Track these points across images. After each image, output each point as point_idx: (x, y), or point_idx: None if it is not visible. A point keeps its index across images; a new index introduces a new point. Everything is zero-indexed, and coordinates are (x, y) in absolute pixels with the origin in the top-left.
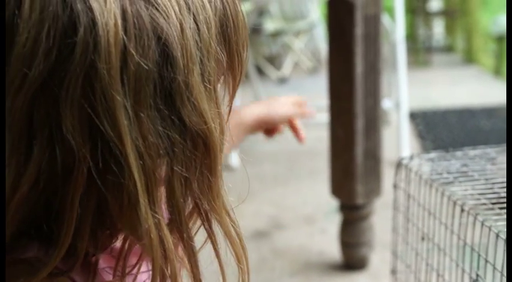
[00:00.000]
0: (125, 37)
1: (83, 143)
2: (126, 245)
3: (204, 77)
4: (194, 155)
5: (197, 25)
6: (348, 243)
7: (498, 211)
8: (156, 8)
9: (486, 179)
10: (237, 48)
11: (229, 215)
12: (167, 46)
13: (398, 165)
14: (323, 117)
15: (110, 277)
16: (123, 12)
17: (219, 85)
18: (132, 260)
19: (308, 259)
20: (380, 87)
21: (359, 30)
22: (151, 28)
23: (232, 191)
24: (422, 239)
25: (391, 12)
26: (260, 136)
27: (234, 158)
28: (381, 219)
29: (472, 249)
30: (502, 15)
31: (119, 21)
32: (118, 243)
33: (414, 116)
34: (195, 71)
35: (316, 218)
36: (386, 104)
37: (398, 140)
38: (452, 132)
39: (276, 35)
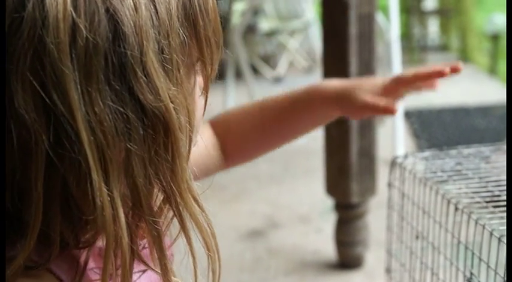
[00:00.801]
0: (73, 12)
1: (36, 118)
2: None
3: (162, 56)
4: (150, 134)
5: (154, 4)
6: (343, 242)
7: (492, 209)
8: None
9: (480, 178)
10: (205, 34)
11: (197, 202)
12: (118, 22)
13: (393, 163)
14: None
15: (97, 276)
16: None
17: (187, 70)
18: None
19: (303, 258)
20: None
21: (353, 29)
22: (101, 4)
23: (227, 190)
24: (417, 237)
25: (386, 11)
26: None
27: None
28: (375, 217)
29: (466, 248)
30: (496, 14)
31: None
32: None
33: (409, 115)
34: (149, 48)
35: (311, 217)
36: None
37: (393, 139)
38: (447, 131)
39: (271, 34)
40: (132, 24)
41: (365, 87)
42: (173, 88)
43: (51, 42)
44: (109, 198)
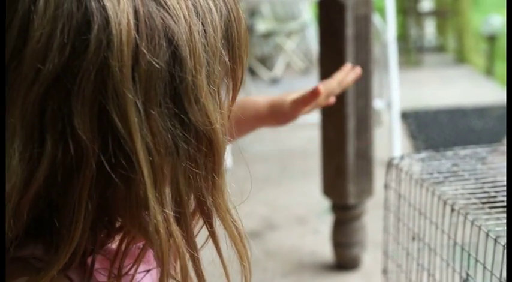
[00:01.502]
0: (137, 36)
1: (92, 139)
2: (123, 246)
3: (210, 78)
4: (199, 153)
5: (204, 28)
6: (340, 243)
7: (488, 210)
8: (167, 11)
9: (476, 179)
10: (239, 53)
11: (231, 214)
12: (177, 47)
13: (389, 165)
14: (315, 117)
15: (104, 278)
16: (136, 12)
17: (222, 87)
18: (127, 261)
19: (300, 259)
20: (371, 87)
21: (350, 30)
22: (162, 29)
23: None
24: (413, 238)
25: (382, 12)
26: (252, 137)
27: (226, 159)
28: (372, 219)
29: (462, 249)
30: (493, 15)
31: (132, 21)
32: (114, 245)
33: (406, 116)
34: (202, 72)
35: (308, 218)
36: (378, 104)
37: (390, 140)
38: (444, 132)
39: (268, 35)
40: (188, 49)
41: (290, 94)
42: (217, 109)
43: (115, 65)
44: (164, 215)
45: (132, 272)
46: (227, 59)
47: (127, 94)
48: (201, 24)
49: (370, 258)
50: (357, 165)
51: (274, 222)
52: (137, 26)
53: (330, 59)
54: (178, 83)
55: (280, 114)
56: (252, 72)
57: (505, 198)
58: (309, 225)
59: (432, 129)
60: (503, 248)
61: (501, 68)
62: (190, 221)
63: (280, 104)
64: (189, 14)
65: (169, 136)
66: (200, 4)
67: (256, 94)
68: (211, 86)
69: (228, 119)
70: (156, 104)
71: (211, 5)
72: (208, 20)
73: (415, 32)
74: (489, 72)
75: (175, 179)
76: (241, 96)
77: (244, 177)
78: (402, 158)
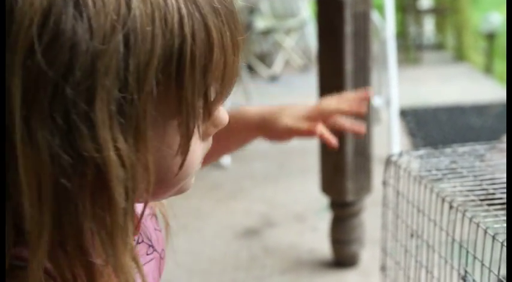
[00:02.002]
0: (36, 35)
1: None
2: None
3: (118, 107)
4: (83, 180)
5: (128, 52)
6: (338, 240)
7: (486, 207)
8: (86, 17)
9: (475, 176)
10: (185, 94)
11: (135, 262)
12: (76, 58)
13: (388, 162)
14: None
15: None
16: (48, 9)
17: (162, 122)
18: None
19: (299, 257)
20: (370, 84)
21: (348, 27)
22: (69, 34)
23: (223, 189)
24: (412, 235)
25: (381, 9)
26: None
27: (225, 157)
28: (371, 216)
29: (461, 246)
30: (492, 12)
31: (37, 18)
32: None
33: (405, 114)
34: (104, 88)
35: (306, 215)
36: (376, 101)
37: (389, 138)
38: (443, 130)
39: (267, 33)
40: (90, 53)
41: (286, 112)
42: (123, 141)
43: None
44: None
45: None
46: (167, 89)
47: (10, 90)
48: (123, 46)
49: (369, 255)
50: (356, 162)
51: (272, 220)
52: (43, 22)
53: (328, 56)
54: (69, 94)
55: (270, 131)
56: (251, 69)
57: (503, 196)
58: (307, 223)
59: (431, 127)
60: (502, 245)
61: (500, 65)
62: (80, 247)
63: (273, 120)
64: (111, 32)
65: (51, 150)
66: (135, 26)
67: (255, 91)
68: (118, 116)
69: (180, 165)
70: (40, 109)
71: (157, 30)
72: (138, 46)
73: (414, 30)
74: (488, 70)
75: (59, 199)
76: (239, 94)
77: (243, 174)
78: (401, 155)
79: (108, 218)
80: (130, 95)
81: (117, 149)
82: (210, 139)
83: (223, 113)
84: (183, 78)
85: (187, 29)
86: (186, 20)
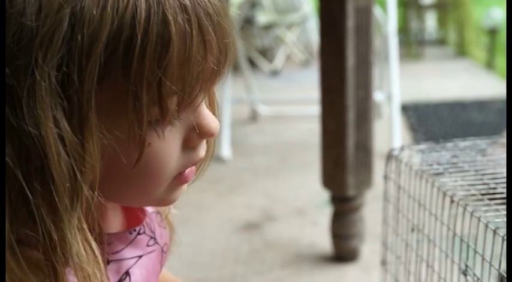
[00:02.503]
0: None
1: None
2: None
3: (60, 86)
4: (24, 157)
5: (71, 31)
6: (338, 235)
7: (488, 202)
8: None
9: (476, 170)
10: (131, 86)
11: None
12: (22, 31)
13: (389, 156)
14: (314, 109)
15: None
16: None
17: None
18: (119, 246)
19: (299, 251)
20: (372, 79)
21: (351, 22)
22: (19, 8)
23: (224, 183)
24: (412, 230)
25: (383, 4)
26: (251, 129)
27: (226, 151)
28: (371, 211)
29: (462, 240)
30: (494, 8)
31: None
32: None
33: (406, 109)
34: (39, 69)
35: (307, 210)
36: (378, 96)
37: (390, 133)
38: (444, 125)
39: (268, 27)
40: (35, 27)
41: None
42: (66, 123)
43: None
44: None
45: (120, 256)
46: (119, 76)
47: None
48: (67, 24)
49: (369, 250)
50: (357, 157)
51: (273, 214)
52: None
53: (330, 51)
54: (16, 67)
55: None
56: (252, 64)
57: (504, 190)
58: (308, 217)
59: (432, 122)
60: (503, 240)
61: (502, 61)
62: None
63: None
64: (57, 10)
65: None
66: (82, 9)
67: (257, 86)
68: (61, 95)
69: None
70: None
71: (100, 15)
72: (86, 25)
73: (415, 25)
74: (490, 65)
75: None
76: (240, 88)
77: (244, 168)
78: (402, 149)
79: (48, 195)
80: (72, 76)
81: (58, 128)
82: (199, 149)
83: (209, 121)
84: (129, 69)
85: (140, 21)
86: (141, 11)
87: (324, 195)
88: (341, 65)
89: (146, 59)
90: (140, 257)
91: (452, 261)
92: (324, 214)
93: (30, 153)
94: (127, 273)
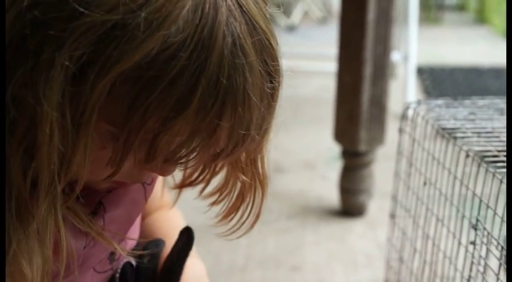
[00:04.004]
0: None
1: None
2: None
3: (75, 80)
4: (19, 123)
5: (111, 36)
6: (347, 190)
7: (503, 158)
8: None
9: (493, 127)
10: (131, 125)
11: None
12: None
13: (406, 109)
14: (329, 66)
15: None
16: None
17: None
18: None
19: (306, 203)
20: (391, 35)
21: None
22: None
23: None
24: (424, 184)
25: None
26: None
27: None
28: (380, 169)
29: (474, 195)
30: None
31: None
32: None
33: (421, 71)
34: (66, 55)
35: (316, 164)
36: (394, 56)
37: (404, 94)
38: (459, 90)
39: None
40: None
41: None
42: (69, 112)
43: None
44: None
45: None
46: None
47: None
48: (110, 27)
49: (376, 206)
50: (371, 112)
51: (282, 166)
52: None
53: (351, 5)
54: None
55: None
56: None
57: None
58: (317, 171)
59: (447, 86)
60: None
61: None
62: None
63: None
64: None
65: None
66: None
67: None
68: (71, 82)
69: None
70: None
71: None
72: (122, 43)
73: None
74: None
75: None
76: None
77: None
78: (419, 103)
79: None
80: (89, 75)
81: (60, 113)
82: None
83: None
84: (138, 105)
85: (176, 67)
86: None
87: (334, 150)
88: (362, 17)
89: (159, 107)
90: (114, 187)
91: (463, 216)
92: (333, 169)
93: (23, 122)
94: (100, 203)
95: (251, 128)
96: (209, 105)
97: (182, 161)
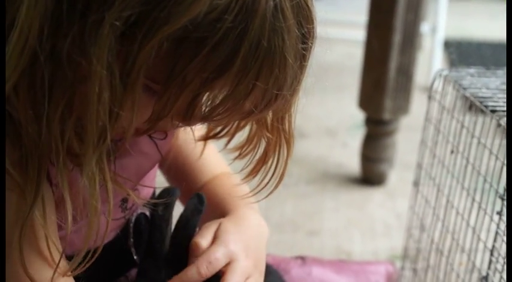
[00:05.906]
0: None
1: None
2: None
3: (123, 40)
4: (66, 80)
5: None
6: (368, 158)
7: None
8: None
9: None
10: (178, 79)
11: (103, 172)
12: None
13: (437, 75)
14: (356, 34)
15: None
16: None
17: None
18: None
19: (326, 170)
20: (422, 4)
21: None
22: None
23: None
24: (452, 152)
25: None
26: None
27: None
28: (403, 140)
29: (503, 164)
30: None
31: None
32: None
33: (448, 45)
34: (114, 15)
35: (338, 131)
36: (423, 28)
37: (430, 66)
38: (485, 65)
39: None
40: None
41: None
42: (117, 71)
43: None
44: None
45: None
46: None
47: None
48: None
49: (396, 176)
50: (397, 81)
51: (303, 131)
52: None
53: None
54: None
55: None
56: None
57: None
58: (338, 138)
59: (473, 61)
60: None
61: None
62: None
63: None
64: None
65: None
66: None
67: None
68: (119, 42)
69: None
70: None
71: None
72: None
73: None
74: None
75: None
76: None
77: None
78: (450, 70)
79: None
80: (137, 35)
81: (109, 71)
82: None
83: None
84: (186, 62)
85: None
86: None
87: (356, 118)
88: None
89: (202, 69)
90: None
91: (491, 185)
92: (355, 137)
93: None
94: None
95: (284, 88)
96: (249, 67)
97: (217, 118)
